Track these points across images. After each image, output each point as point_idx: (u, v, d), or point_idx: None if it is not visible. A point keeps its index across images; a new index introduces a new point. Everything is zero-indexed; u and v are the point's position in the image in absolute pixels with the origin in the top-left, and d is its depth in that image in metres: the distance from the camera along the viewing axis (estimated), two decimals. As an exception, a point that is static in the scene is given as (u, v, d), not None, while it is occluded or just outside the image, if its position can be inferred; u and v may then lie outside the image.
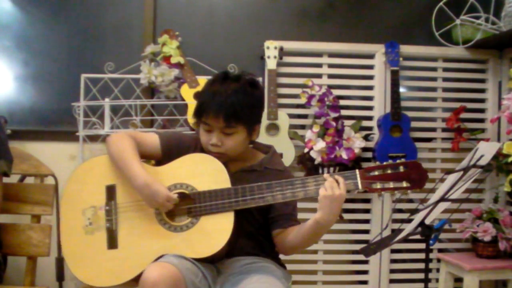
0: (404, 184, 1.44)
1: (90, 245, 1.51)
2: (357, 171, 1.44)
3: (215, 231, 1.45)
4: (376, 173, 1.44)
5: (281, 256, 1.67)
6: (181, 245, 1.46)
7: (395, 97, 2.53)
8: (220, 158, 1.52)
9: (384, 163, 1.46)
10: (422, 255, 1.64)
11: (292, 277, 1.66)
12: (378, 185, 1.44)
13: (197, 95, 1.59)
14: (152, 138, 1.60)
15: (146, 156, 1.63)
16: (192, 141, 1.62)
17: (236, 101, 1.47)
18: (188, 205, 1.49)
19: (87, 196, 1.55)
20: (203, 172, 1.51)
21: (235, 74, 1.57)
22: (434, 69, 2.70)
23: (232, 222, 1.45)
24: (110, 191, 1.54)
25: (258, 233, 1.58)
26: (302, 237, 1.47)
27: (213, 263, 1.52)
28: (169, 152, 1.57)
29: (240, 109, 1.47)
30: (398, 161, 1.46)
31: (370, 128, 2.65)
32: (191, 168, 1.53)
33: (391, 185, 1.44)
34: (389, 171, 1.44)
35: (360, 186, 1.43)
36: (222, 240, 1.44)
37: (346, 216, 2.64)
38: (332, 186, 1.38)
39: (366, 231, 2.66)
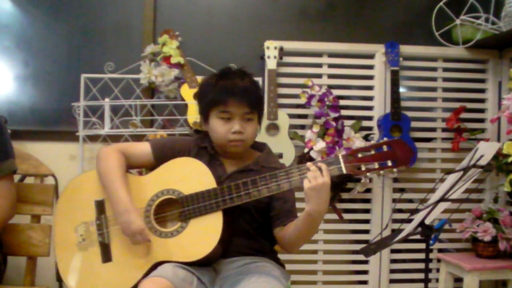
0: (389, 163, 1.41)
1: (85, 260, 1.53)
2: (340, 155, 1.43)
3: (205, 232, 1.46)
4: (360, 155, 1.42)
5: (281, 256, 1.67)
6: (173, 250, 1.46)
7: (395, 97, 2.53)
8: (239, 147, 1.54)
9: (367, 144, 1.44)
10: (422, 255, 1.64)
11: (291, 276, 1.65)
12: (363, 167, 1.42)
13: (202, 90, 1.58)
14: (143, 148, 1.60)
15: (139, 166, 1.64)
16: (186, 145, 1.62)
17: (254, 87, 1.55)
18: (177, 210, 1.49)
19: (78, 213, 1.56)
20: (187, 175, 1.51)
21: (236, 68, 1.61)
22: (434, 69, 2.70)
23: (221, 222, 1.46)
24: (100, 206, 1.55)
25: (256, 233, 1.58)
26: (299, 231, 1.47)
27: (209, 264, 1.52)
28: (163, 159, 1.57)
29: (258, 94, 1.56)
30: (380, 141, 1.44)
31: (370, 128, 2.64)
32: (176, 172, 1.53)
33: (376, 165, 1.42)
34: (372, 152, 1.42)
35: (344, 170, 1.42)
36: (213, 241, 1.44)
37: (346, 216, 2.64)
38: (315, 176, 1.36)
39: (366, 231, 2.66)
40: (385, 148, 1.42)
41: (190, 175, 1.51)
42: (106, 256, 1.51)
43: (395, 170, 1.47)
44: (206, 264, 1.49)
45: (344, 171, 1.41)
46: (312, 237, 1.56)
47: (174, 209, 1.51)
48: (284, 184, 1.44)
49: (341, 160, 1.42)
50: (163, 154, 1.58)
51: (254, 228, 1.57)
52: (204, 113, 1.57)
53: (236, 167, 1.59)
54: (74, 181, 1.62)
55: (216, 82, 1.53)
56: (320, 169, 1.38)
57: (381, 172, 1.44)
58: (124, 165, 1.55)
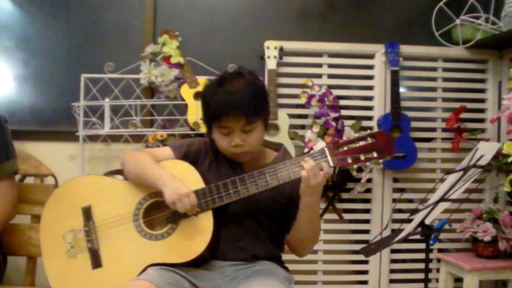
0: (374, 154, 1.44)
1: (75, 268, 1.51)
2: (325, 149, 1.45)
3: (196, 232, 1.45)
4: (345, 148, 1.45)
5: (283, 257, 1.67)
6: (165, 252, 1.45)
7: (395, 97, 2.53)
8: (243, 157, 1.52)
9: (351, 137, 1.46)
10: (422, 255, 1.64)
11: (294, 278, 1.65)
12: (349, 159, 1.45)
13: (203, 101, 1.54)
14: (165, 151, 1.59)
15: None
16: (202, 146, 1.61)
17: (252, 96, 1.46)
18: (167, 212, 1.48)
19: (65, 221, 1.55)
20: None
21: (234, 71, 1.56)
22: (434, 69, 2.70)
23: (212, 221, 1.45)
24: (87, 212, 1.54)
25: (264, 237, 1.57)
26: (300, 225, 1.50)
27: (198, 266, 1.50)
28: (184, 159, 1.56)
29: (257, 103, 1.48)
30: (364, 133, 1.47)
31: (370, 128, 2.64)
32: None
33: (362, 157, 1.44)
34: (357, 144, 1.45)
35: (331, 163, 1.44)
36: (205, 240, 1.43)
37: (346, 216, 2.64)
38: (314, 174, 1.39)
39: (366, 231, 2.66)
40: (369, 140, 1.45)
41: (178, 176, 1.48)
42: (96, 261, 1.50)
43: (381, 161, 1.51)
44: (199, 265, 1.48)
45: (331, 164, 1.44)
46: (316, 233, 1.56)
47: (163, 212, 1.49)
48: (273, 180, 1.45)
49: (328, 153, 1.44)
50: (183, 154, 1.57)
51: (261, 232, 1.56)
52: (207, 125, 1.54)
53: (254, 168, 1.56)
54: (56, 192, 1.60)
55: (214, 95, 1.47)
56: (321, 169, 1.39)
57: (367, 163, 1.46)
58: (153, 159, 1.53)
